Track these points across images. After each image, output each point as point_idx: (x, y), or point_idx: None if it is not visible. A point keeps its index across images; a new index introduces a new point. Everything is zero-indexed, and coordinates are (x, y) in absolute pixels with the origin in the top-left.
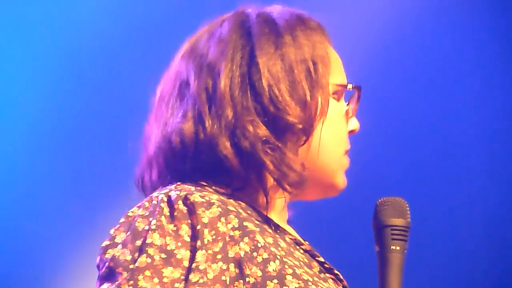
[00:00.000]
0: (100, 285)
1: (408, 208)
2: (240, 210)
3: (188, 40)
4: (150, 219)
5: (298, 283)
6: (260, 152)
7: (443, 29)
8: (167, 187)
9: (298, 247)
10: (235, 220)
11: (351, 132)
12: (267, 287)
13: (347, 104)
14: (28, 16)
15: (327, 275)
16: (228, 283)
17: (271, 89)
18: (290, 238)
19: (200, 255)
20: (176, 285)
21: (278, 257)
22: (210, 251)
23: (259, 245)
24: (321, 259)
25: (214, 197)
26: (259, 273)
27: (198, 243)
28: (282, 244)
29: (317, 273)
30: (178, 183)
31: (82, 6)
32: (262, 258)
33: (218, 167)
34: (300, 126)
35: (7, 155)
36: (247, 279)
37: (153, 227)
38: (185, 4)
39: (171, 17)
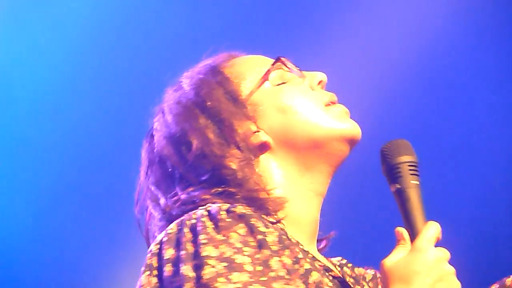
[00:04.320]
0: None
1: (412, 147)
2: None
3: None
4: (197, 234)
5: None
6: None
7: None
8: (199, 208)
9: (327, 273)
10: (275, 233)
11: (320, 83)
12: None
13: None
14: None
15: None
16: None
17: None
18: (319, 265)
19: (274, 262)
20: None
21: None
22: (277, 258)
23: (299, 256)
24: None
25: (254, 213)
26: (302, 286)
27: (267, 251)
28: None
29: None
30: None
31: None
32: (305, 269)
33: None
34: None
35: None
36: None
37: (204, 241)
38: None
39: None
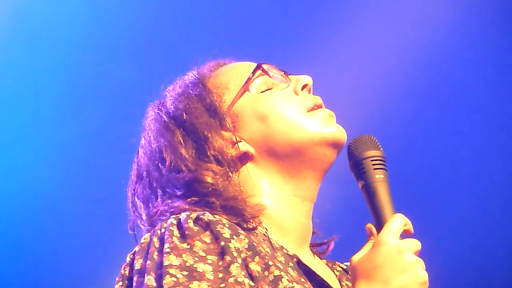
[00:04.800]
0: None
1: (378, 141)
2: (252, 236)
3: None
4: (163, 243)
5: None
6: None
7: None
8: (171, 216)
9: (312, 278)
10: (245, 240)
11: (305, 87)
12: None
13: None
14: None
15: None
16: None
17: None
18: (304, 269)
19: (233, 268)
20: None
21: (287, 278)
22: (237, 264)
23: (270, 263)
24: None
25: (225, 220)
26: None
27: (228, 258)
28: (292, 272)
29: None
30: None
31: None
32: (274, 275)
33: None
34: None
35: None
36: None
37: (167, 250)
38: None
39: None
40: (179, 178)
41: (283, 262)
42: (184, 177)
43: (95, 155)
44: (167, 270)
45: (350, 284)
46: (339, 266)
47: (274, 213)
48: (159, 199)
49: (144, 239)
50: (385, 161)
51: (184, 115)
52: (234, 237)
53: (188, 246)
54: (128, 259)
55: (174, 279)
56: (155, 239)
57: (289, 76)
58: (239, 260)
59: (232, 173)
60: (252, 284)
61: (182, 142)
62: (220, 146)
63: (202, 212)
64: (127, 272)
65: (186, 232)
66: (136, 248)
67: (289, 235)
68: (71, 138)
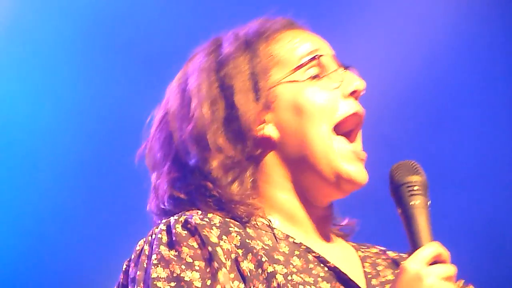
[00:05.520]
0: None
1: (419, 166)
2: (249, 230)
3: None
4: (152, 253)
5: None
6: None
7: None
8: (161, 222)
9: (322, 264)
10: (237, 238)
11: (353, 93)
12: None
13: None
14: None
15: None
16: None
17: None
18: (313, 256)
19: (221, 275)
20: None
21: (285, 272)
22: (225, 270)
23: (263, 259)
24: (348, 277)
25: (217, 219)
26: None
27: (215, 264)
28: (296, 261)
29: None
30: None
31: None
32: (267, 272)
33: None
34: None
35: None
36: None
37: (154, 261)
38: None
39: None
40: (193, 149)
41: (287, 252)
42: (199, 152)
43: (95, 155)
44: (154, 283)
45: (371, 271)
46: (370, 251)
47: (285, 204)
48: (170, 160)
49: (139, 245)
50: (424, 187)
51: (229, 76)
52: (223, 237)
53: (176, 253)
54: (124, 266)
55: None
56: (146, 247)
57: (346, 70)
58: (228, 263)
59: (248, 159)
60: (242, 287)
61: (214, 104)
62: (248, 121)
63: (190, 214)
64: (123, 280)
65: (174, 238)
66: (132, 255)
67: (300, 225)
68: (70, 138)
